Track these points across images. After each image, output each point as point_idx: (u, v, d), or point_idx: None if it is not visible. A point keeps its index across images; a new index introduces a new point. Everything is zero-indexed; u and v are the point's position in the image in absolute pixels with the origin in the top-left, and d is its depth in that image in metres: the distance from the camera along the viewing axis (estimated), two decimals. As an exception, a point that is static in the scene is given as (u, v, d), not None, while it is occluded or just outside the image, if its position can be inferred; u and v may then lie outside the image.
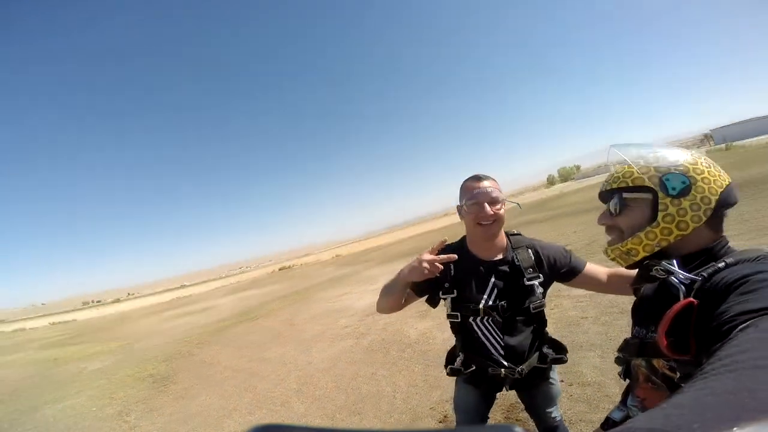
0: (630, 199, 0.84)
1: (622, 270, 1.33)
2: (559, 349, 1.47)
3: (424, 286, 1.43)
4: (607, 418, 0.98)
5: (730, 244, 0.80)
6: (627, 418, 0.93)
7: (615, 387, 2.63)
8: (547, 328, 1.48)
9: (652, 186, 0.80)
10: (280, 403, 4.11)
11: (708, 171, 0.77)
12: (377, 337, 5.50)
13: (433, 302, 1.49)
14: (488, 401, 1.54)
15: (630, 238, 0.82)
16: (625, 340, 0.93)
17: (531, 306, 1.36)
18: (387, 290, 1.47)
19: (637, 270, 0.96)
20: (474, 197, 1.34)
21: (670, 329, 0.65)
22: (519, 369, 1.36)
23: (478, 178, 1.38)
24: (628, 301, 3.35)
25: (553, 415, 1.51)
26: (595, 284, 1.43)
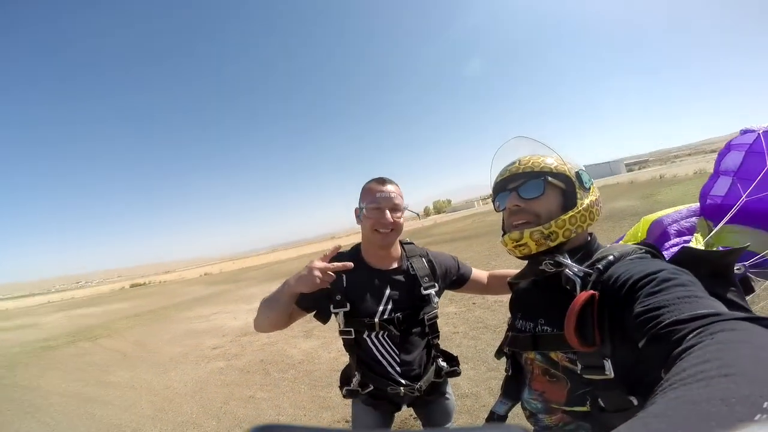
0: (551, 184, 0.86)
1: (497, 271, 1.51)
2: (452, 360, 1.44)
3: (313, 300, 1.27)
4: (492, 412, 0.99)
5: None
6: (510, 410, 0.98)
7: (489, 397, 2.89)
8: (438, 340, 1.42)
9: (570, 176, 0.86)
10: (130, 430, 3.48)
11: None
12: (254, 357, 5.07)
13: (324, 317, 1.34)
14: (388, 421, 1.45)
15: (554, 221, 0.83)
16: (512, 336, 0.93)
17: (426, 317, 1.32)
18: (268, 304, 1.26)
19: (518, 270, 1.03)
20: (375, 201, 1.27)
21: (579, 328, 0.67)
22: (417, 386, 1.30)
23: (382, 181, 1.32)
24: (491, 317, 3.79)
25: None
26: (480, 288, 1.50)
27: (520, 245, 0.85)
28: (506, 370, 0.99)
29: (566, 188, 0.86)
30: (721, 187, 1.43)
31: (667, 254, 0.84)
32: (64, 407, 4.37)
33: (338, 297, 1.27)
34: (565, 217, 0.82)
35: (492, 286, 1.50)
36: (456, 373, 1.43)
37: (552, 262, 0.80)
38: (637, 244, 0.81)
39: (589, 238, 0.89)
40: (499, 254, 8.65)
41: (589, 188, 0.88)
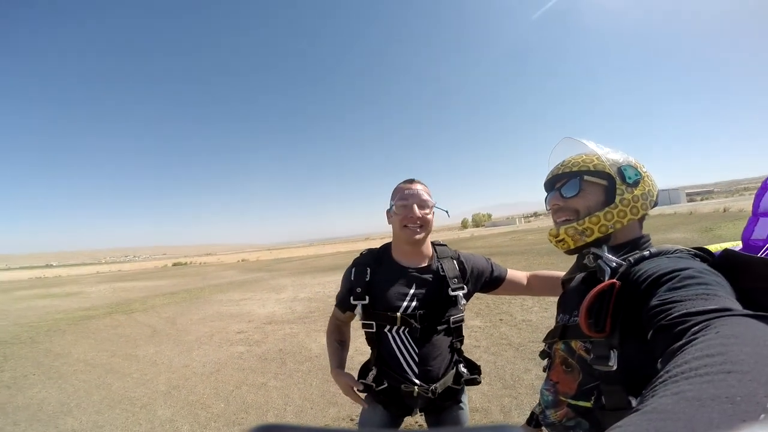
0: (589, 182, 0.89)
1: (541, 272, 1.44)
2: (473, 368, 1.40)
3: (345, 298, 1.38)
4: (532, 413, 1.02)
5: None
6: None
7: (500, 414, 2.77)
8: (462, 346, 1.40)
9: (611, 173, 0.86)
10: (140, 404, 3.59)
11: (648, 173, 0.90)
12: (274, 346, 5.13)
13: (343, 308, 1.41)
14: (395, 423, 1.39)
15: (588, 218, 0.85)
16: (549, 330, 0.97)
17: (451, 318, 1.30)
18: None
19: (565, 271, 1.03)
20: (404, 198, 1.31)
21: (592, 309, 0.70)
22: (432, 387, 1.26)
23: (410, 181, 1.36)
24: (517, 335, 3.63)
25: None
26: (518, 288, 1.45)
27: (558, 241, 0.91)
28: (544, 369, 0.99)
29: (608, 185, 0.87)
30: (763, 229, 1.26)
31: None
32: (86, 376, 4.59)
33: (359, 290, 1.31)
34: (600, 213, 0.84)
35: (533, 286, 1.46)
36: (476, 382, 1.39)
37: (592, 255, 0.85)
38: (693, 247, 0.76)
39: (639, 236, 0.88)
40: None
41: (635, 182, 0.86)
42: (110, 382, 4.29)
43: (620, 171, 0.86)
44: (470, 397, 2.98)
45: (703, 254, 0.73)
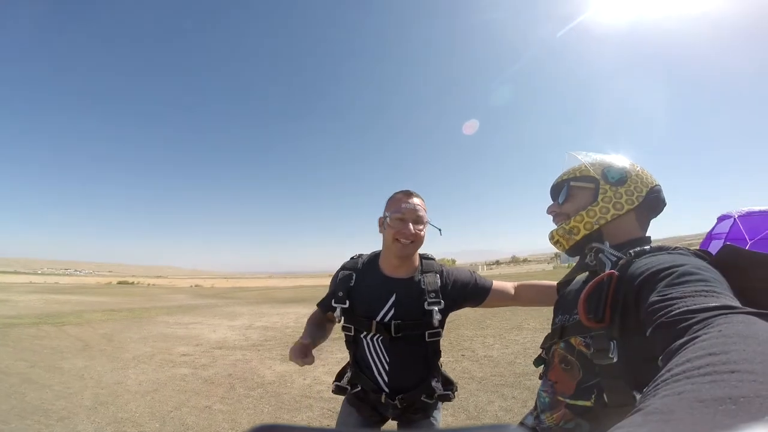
0: (576, 187, 0.97)
1: (528, 282, 1.45)
2: (449, 384, 1.40)
3: (328, 299, 1.41)
4: (521, 423, 0.99)
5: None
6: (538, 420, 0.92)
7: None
8: (440, 360, 1.39)
9: (595, 175, 0.93)
10: (57, 417, 3.18)
11: (641, 170, 0.92)
12: (222, 371, 4.74)
13: (323, 308, 1.45)
14: (369, 427, 1.39)
15: (573, 217, 0.93)
16: (547, 334, 0.97)
17: (426, 333, 1.29)
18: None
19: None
20: (400, 211, 1.29)
21: (591, 298, 0.71)
22: (399, 398, 1.27)
23: (409, 194, 1.35)
24: (479, 369, 3.70)
25: None
26: (506, 299, 1.43)
27: (555, 242, 0.99)
28: (540, 377, 0.99)
29: (595, 187, 0.93)
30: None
31: None
32: (-3, 384, 4.10)
33: (340, 293, 1.34)
34: (583, 212, 0.91)
35: (521, 296, 1.43)
36: (448, 398, 1.38)
37: (594, 251, 0.88)
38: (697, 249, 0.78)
39: (640, 236, 0.90)
40: (496, 314, 8.34)
41: (619, 181, 0.90)
42: (24, 391, 3.82)
43: (604, 173, 0.93)
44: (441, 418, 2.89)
45: (702, 254, 0.74)
